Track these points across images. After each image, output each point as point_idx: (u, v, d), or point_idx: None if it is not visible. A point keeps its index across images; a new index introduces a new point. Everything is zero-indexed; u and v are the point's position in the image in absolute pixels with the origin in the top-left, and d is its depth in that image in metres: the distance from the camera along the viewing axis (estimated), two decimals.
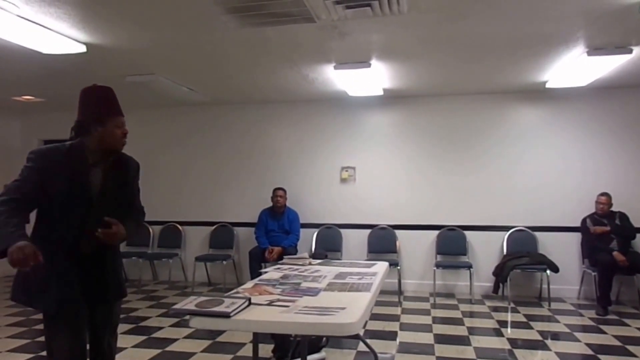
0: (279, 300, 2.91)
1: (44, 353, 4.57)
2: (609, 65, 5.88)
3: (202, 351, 5.06)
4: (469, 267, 7.31)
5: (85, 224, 2.75)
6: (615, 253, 6.59)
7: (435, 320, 6.24)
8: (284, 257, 4.80)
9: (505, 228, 7.62)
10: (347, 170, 8.22)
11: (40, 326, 5.85)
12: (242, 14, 4.26)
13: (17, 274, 2.70)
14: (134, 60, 5.81)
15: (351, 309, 2.69)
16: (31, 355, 4.90)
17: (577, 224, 7.16)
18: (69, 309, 2.71)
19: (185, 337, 5.50)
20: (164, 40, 5.11)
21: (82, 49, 5.10)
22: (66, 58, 5.44)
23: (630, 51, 5.35)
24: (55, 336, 2.73)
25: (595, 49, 5.39)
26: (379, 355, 4.66)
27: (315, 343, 4.75)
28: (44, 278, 2.65)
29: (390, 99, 7.92)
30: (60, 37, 4.76)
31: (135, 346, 5.20)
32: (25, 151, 8.64)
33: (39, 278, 2.65)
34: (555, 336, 5.62)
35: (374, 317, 6.29)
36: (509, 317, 6.44)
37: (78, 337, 2.75)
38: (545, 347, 5.18)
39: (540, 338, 5.49)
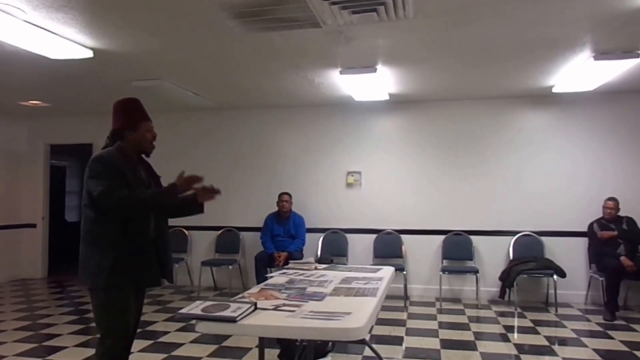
0: (284, 305, 2.91)
1: (51, 357, 4.57)
2: (616, 69, 5.86)
3: (208, 356, 5.05)
4: (476, 272, 7.29)
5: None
6: (622, 258, 6.55)
7: (442, 325, 6.22)
8: (290, 261, 4.79)
9: (511, 233, 7.60)
10: (352, 175, 8.21)
11: (47, 330, 5.89)
12: (248, 19, 4.26)
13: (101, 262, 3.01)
14: (140, 65, 5.84)
15: (357, 314, 2.69)
16: None
17: (584, 228, 7.12)
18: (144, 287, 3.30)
19: (192, 342, 5.49)
20: (170, 45, 5.13)
21: (89, 54, 5.12)
22: (73, 63, 5.47)
23: (638, 56, 5.32)
24: (124, 313, 3.08)
25: (602, 54, 5.37)
26: None
27: (321, 348, 4.73)
28: (140, 260, 3.10)
29: (396, 103, 7.92)
30: (67, 43, 4.79)
31: (141, 351, 5.19)
32: (32, 155, 8.68)
33: (136, 261, 3.07)
34: (563, 342, 5.59)
35: (380, 322, 6.27)
36: (516, 322, 6.40)
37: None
38: (552, 353, 5.14)
39: (547, 343, 5.46)
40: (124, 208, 3.00)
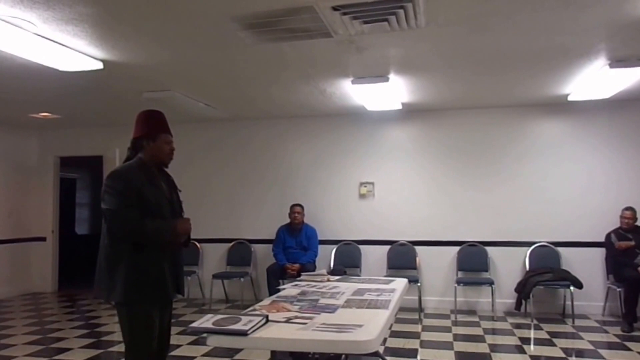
0: (296, 317, 2.89)
1: None
2: (631, 77, 5.80)
3: None
4: (491, 283, 7.19)
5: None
6: None
7: (457, 337, 6.14)
8: (302, 273, 4.75)
9: (527, 244, 7.50)
10: (365, 186, 8.16)
11: (58, 344, 5.86)
12: (259, 29, 4.25)
13: (126, 278, 3.05)
14: (150, 76, 5.84)
15: (369, 326, 2.67)
16: None
17: (601, 239, 7.02)
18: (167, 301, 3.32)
19: (203, 355, 5.44)
20: (180, 56, 5.13)
21: (99, 65, 5.12)
22: (83, 75, 5.47)
23: None
24: (147, 328, 3.11)
25: (617, 61, 5.31)
26: None
27: None
28: (158, 274, 3.16)
29: (409, 113, 7.87)
30: (77, 55, 4.79)
31: None
32: (42, 168, 8.72)
33: (154, 275, 3.13)
34: (580, 353, 5.52)
35: (395, 334, 6.20)
36: (532, 334, 6.32)
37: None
38: None
39: (564, 355, 5.37)
40: (128, 231, 3.06)
